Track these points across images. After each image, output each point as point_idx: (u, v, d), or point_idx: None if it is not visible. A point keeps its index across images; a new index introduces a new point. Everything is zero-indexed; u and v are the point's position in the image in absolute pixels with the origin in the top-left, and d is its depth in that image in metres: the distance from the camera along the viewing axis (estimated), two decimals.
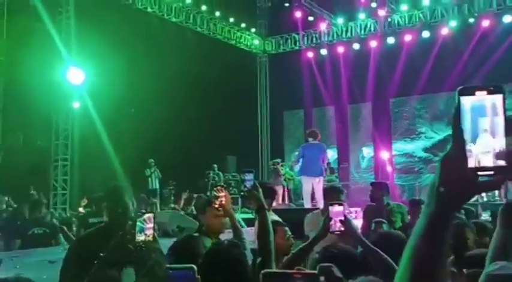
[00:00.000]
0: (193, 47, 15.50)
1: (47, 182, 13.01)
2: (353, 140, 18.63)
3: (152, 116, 14.12)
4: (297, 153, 9.68)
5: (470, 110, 0.80)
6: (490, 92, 0.80)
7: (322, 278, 1.81)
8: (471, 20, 15.77)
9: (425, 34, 16.41)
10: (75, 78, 12.71)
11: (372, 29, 17.45)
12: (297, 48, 19.06)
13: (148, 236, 2.31)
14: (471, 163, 0.79)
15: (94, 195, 7.24)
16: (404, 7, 16.75)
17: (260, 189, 2.89)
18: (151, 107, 14.33)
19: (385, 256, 2.37)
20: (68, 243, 5.12)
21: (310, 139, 9.19)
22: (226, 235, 3.41)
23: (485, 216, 7.12)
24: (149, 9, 15.37)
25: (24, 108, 12.37)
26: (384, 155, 17.16)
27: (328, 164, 17.10)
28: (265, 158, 18.18)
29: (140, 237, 2.28)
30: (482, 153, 0.80)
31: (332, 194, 4.62)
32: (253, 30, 19.30)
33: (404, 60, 16.61)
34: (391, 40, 17.10)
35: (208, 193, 14.54)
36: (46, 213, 9.31)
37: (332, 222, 2.63)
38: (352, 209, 12.45)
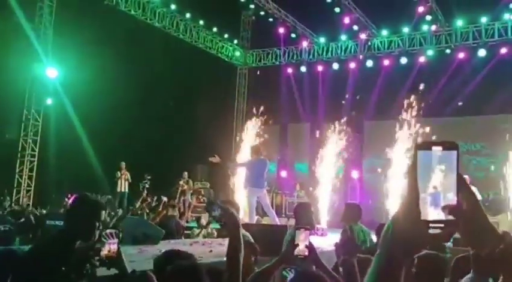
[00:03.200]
0: (174, 53, 15.44)
1: (12, 177, 12.73)
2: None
3: (127, 118, 13.98)
4: (242, 161, 10.30)
5: (425, 164, 0.83)
6: (445, 148, 0.83)
7: None
8: (448, 51, 16.20)
9: (403, 60, 16.77)
10: (50, 72, 12.56)
11: (352, 51, 17.76)
12: (277, 63, 19.23)
13: (112, 252, 2.28)
14: (423, 215, 0.82)
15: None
16: (384, 32, 17.12)
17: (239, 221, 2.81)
18: (126, 110, 14.19)
19: None
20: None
21: (255, 155, 9.73)
22: None
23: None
24: (133, 12, 15.26)
25: None
26: (354, 174, 17.32)
27: (297, 179, 17.20)
28: None
29: (104, 253, 2.26)
30: (434, 206, 0.83)
31: (303, 210, 4.69)
32: (235, 41, 19.37)
33: (381, 84, 16.89)
34: (369, 63, 17.42)
35: (176, 200, 14.43)
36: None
37: (298, 246, 2.64)
38: (318, 226, 12.47)
